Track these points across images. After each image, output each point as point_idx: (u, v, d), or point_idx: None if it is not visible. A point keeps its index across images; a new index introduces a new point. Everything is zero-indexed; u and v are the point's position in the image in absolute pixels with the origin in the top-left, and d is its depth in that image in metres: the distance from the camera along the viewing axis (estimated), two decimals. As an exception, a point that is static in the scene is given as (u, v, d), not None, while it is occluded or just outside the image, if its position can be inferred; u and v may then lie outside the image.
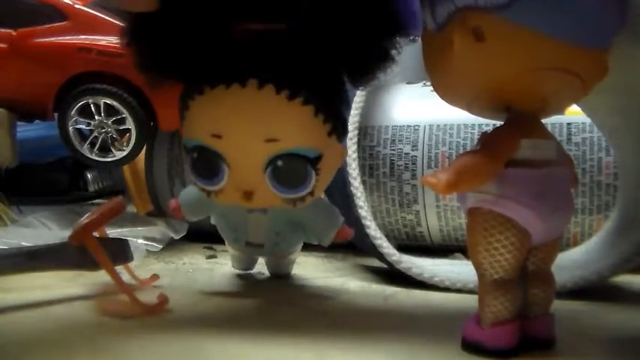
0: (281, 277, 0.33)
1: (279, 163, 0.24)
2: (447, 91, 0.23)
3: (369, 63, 0.24)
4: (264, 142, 0.24)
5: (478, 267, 0.21)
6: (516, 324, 0.21)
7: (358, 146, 0.34)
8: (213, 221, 0.32)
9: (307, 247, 0.41)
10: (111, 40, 0.38)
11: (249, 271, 0.34)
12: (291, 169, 0.24)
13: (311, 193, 0.25)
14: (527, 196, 0.20)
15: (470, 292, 0.29)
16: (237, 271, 0.34)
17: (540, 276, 0.22)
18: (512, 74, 0.20)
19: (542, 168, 0.21)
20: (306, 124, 0.24)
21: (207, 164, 0.25)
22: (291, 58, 0.23)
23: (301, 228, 0.30)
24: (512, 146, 0.20)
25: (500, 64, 0.20)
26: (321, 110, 0.24)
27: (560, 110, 0.23)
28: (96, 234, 0.28)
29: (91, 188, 0.65)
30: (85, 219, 0.27)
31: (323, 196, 0.38)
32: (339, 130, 0.25)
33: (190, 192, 0.30)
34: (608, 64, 0.21)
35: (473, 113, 0.23)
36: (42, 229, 0.42)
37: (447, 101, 0.23)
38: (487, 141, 0.21)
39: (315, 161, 0.24)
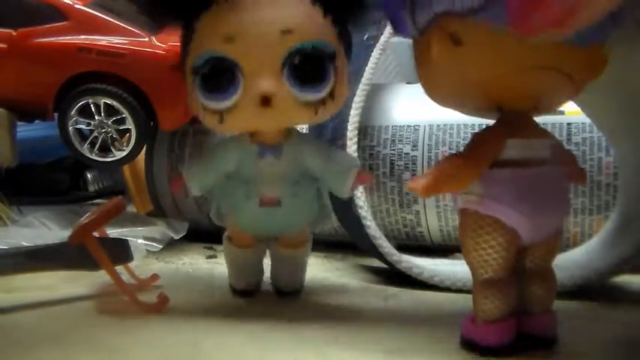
0: (290, 294, 0.29)
1: (297, 59, 0.23)
2: (434, 94, 0.23)
3: None
4: (279, 34, 0.23)
5: (469, 266, 0.22)
6: (509, 322, 0.21)
7: (358, 146, 0.34)
8: (212, 211, 0.29)
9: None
10: (111, 40, 0.38)
11: (250, 290, 0.30)
12: (309, 64, 0.23)
13: (331, 96, 0.24)
14: (510, 195, 0.21)
15: (470, 292, 0.29)
16: (239, 289, 0.30)
17: (539, 274, 0.22)
18: (492, 77, 0.20)
19: (530, 167, 0.21)
20: (318, 20, 0.24)
21: (220, 76, 0.23)
22: None
23: (318, 180, 0.27)
24: (496, 147, 0.21)
25: (479, 67, 0.20)
26: (329, 13, 0.24)
27: (553, 109, 0.23)
28: (96, 234, 0.28)
29: (91, 188, 0.65)
30: (85, 219, 0.27)
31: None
32: (345, 41, 0.25)
33: (196, 165, 0.28)
34: (605, 58, 0.21)
35: (466, 114, 0.23)
36: (42, 229, 0.42)
37: (437, 103, 0.23)
38: (473, 142, 0.21)
39: (332, 56, 0.24)
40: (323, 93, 0.24)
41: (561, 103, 0.23)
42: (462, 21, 0.19)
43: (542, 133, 0.22)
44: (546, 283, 0.22)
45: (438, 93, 0.23)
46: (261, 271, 0.30)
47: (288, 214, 0.27)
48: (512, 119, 0.21)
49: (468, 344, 0.22)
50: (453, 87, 0.21)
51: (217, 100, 0.24)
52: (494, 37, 0.19)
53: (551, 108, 0.22)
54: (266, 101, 0.23)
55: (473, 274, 0.22)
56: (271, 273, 0.30)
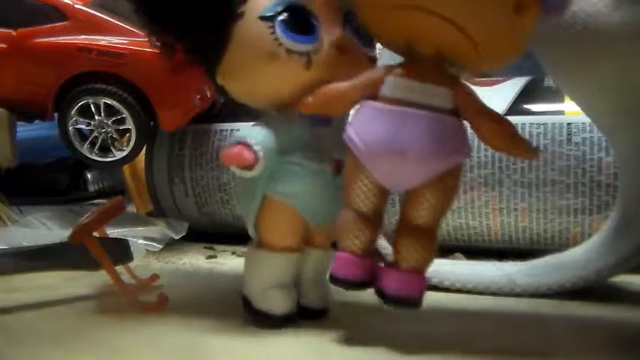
0: (319, 315, 0.25)
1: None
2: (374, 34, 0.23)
3: None
4: None
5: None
6: (357, 258, 0.21)
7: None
8: (250, 222, 0.25)
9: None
10: (111, 40, 0.38)
11: (293, 315, 0.24)
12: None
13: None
14: (362, 126, 0.21)
15: (470, 292, 0.29)
16: (273, 315, 0.24)
17: (410, 230, 0.21)
18: (368, 14, 0.21)
19: (395, 105, 0.21)
20: None
21: (301, 20, 0.23)
22: None
23: None
24: (375, 80, 0.21)
25: (364, 8, 0.21)
26: None
27: (462, 64, 0.21)
28: (96, 234, 0.28)
29: (91, 188, 0.65)
30: (85, 219, 0.27)
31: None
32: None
33: (264, 134, 0.23)
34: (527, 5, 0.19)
35: (399, 55, 0.23)
36: (42, 229, 0.42)
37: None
38: (363, 74, 0.22)
39: None
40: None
41: (463, 57, 0.21)
42: None
43: (442, 82, 0.21)
44: (414, 243, 0.21)
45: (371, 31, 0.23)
46: (295, 292, 0.25)
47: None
48: (411, 62, 0.21)
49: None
50: (368, 25, 0.22)
51: (305, 43, 0.23)
52: None
53: (457, 62, 0.21)
54: (345, 47, 0.23)
55: (345, 198, 0.22)
56: (300, 290, 0.25)
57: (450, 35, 0.20)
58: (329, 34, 0.23)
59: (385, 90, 0.21)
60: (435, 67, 0.21)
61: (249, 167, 0.22)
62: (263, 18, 0.23)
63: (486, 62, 0.21)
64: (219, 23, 0.24)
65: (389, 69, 0.21)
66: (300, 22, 0.23)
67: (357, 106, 0.22)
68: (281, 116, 0.24)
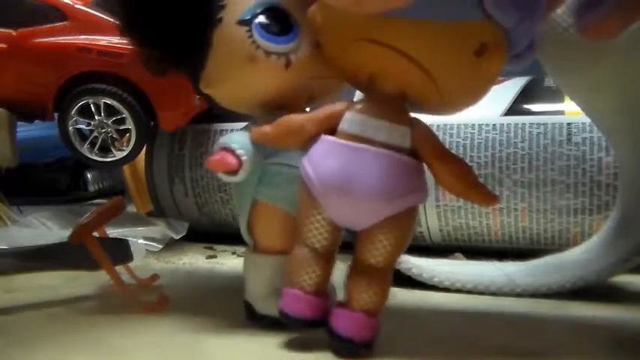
0: None
1: None
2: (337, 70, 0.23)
3: None
4: None
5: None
6: (306, 295, 0.21)
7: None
8: (242, 226, 0.25)
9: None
10: (111, 40, 0.38)
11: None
12: None
13: None
14: (315, 159, 0.21)
15: (470, 292, 0.29)
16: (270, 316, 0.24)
17: (360, 271, 0.21)
18: (329, 48, 0.21)
19: (348, 141, 0.20)
20: None
21: (280, 21, 0.24)
22: None
23: None
24: (333, 115, 0.21)
25: (324, 39, 0.21)
26: None
27: (421, 102, 0.21)
28: (96, 234, 0.28)
29: (91, 188, 0.65)
30: (85, 219, 0.27)
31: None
32: None
33: (246, 140, 0.23)
34: (485, 42, 0.19)
35: (360, 91, 0.23)
36: (42, 229, 0.42)
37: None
38: (322, 107, 0.22)
39: None
40: None
41: (424, 98, 0.21)
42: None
43: (403, 121, 0.21)
44: (363, 285, 0.21)
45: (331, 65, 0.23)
46: None
47: None
48: (373, 98, 0.21)
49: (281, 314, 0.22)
50: (329, 58, 0.22)
51: (283, 43, 0.23)
52: (328, 13, 0.20)
53: (419, 102, 0.21)
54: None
55: (298, 235, 0.21)
56: None
57: (410, 74, 0.20)
58: (309, 32, 0.23)
59: (343, 125, 0.21)
60: (395, 106, 0.21)
61: (234, 172, 0.22)
62: (241, 22, 0.23)
63: (448, 105, 0.21)
64: (198, 30, 0.24)
65: (350, 104, 0.21)
66: (277, 23, 0.23)
67: (315, 140, 0.21)
68: (266, 118, 0.23)
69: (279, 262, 0.23)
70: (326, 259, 0.21)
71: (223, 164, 0.22)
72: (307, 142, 0.21)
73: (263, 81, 0.23)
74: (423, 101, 0.21)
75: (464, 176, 0.20)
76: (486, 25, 0.19)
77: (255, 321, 0.24)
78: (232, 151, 0.22)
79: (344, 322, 0.21)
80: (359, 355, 0.21)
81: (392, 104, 0.21)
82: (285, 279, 0.22)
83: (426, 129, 0.21)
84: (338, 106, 0.21)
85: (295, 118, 0.21)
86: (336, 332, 0.21)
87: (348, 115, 0.21)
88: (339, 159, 0.20)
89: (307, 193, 0.21)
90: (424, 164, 0.21)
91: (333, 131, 0.21)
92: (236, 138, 0.23)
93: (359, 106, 0.21)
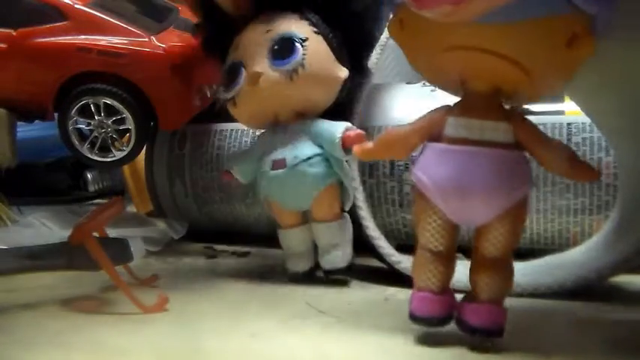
0: (336, 275, 0.32)
1: (276, 46, 0.31)
2: (423, 76, 0.24)
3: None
4: (264, 33, 0.32)
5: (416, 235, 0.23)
6: (436, 296, 0.22)
7: (358, 146, 0.34)
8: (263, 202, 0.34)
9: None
10: (111, 40, 0.38)
11: (302, 273, 0.33)
12: (283, 45, 0.31)
13: (302, 66, 0.31)
14: (429, 166, 0.21)
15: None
16: (293, 272, 0.33)
17: (486, 263, 0.22)
18: (423, 57, 0.22)
19: (459, 145, 0.21)
20: (293, 20, 0.32)
21: (231, 74, 0.32)
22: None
23: (315, 141, 0.32)
24: (436, 122, 0.22)
25: (419, 46, 0.22)
26: (307, 18, 0.32)
27: (516, 97, 0.22)
28: (96, 234, 0.28)
29: (91, 188, 0.65)
30: (84, 219, 0.27)
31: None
32: (325, 34, 0.32)
33: (238, 156, 0.36)
34: (581, 37, 0.20)
35: (452, 94, 0.24)
36: (42, 229, 0.42)
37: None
38: (420, 116, 0.22)
39: (302, 40, 0.31)
40: (293, 62, 0.31)
41: (518, 90, 0.22)
42: (406, 9, 0.21)
43: (501, 116, 0.22)
44: (492, 276, 0.22)
45: (425, 74, 0.24)
46: (311, 256, 0.33)
47: (297, 175, 0.31)
48: (467, 100, 0.22)
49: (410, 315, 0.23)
50: (416, 66, 0.23)
51: (229, 91, 0.32)
52: (421, 21, 0.20)
53: (512, 96, 0.22)
54: (255, 77, 0.31)
55: (417, 242, 0.23)
56: (318, 256, 0.33)
57: (506, 70, 0.20)
58: (249, 73, 0.31)
59: (448, 130, 0.22)
60: (493, 103, 0.22)
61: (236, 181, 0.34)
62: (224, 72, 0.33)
63: (540, 94, 0.22)
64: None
65: (448, 110, 0.22)
66: (230, 75, 0.32)
67: (421, 148, 0.22)
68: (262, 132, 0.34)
69: (289, 233, 0.33)
70: (448, 258, 0.22)
71: (227, 178, 0.34)
72: (411, 151, 0.23)
73: (231, 111, 0.33)
74: (517, 94, 0.22)
75: (568, 158, 0.22)
76: (574, 15, 0.20)
77: (286, 276, 0.33)
78: (228, 171, 0.34)
79: (476, 315, 0.22)
80: (494, 344, 0.22)
81: (489, 102, 0.22)
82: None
83: (524, 120, 0.22)
84: (437, 114, 0.22)
85: (398, 131, 0.23)
86: (470, 325, 0.22)
87: (451, 120, 0.22)
88: (453, 163, 0.21)
89: (423, 199, 0.22)
90: (527, 153, 0.22)
91: (435, 138, 0.22)
92: (233, 156, 0.37)
93: (459, 110, 0.22)
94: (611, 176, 0.33)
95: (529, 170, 0.22)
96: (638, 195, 0.29)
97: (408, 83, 0.42)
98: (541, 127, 0.35)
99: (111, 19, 0.39)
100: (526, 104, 0.23)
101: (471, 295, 0.22)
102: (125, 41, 0.38)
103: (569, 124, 0.34)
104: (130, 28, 0.39)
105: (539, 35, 0.20)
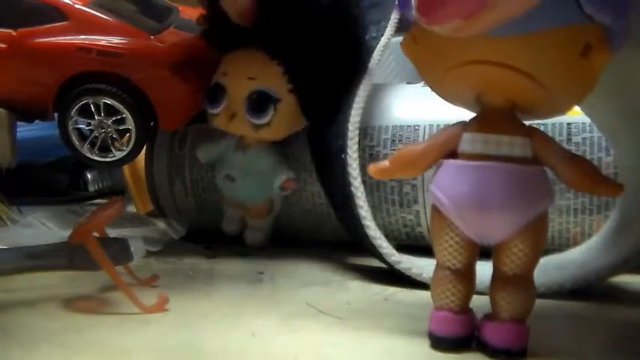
0: (255, 246, 0.41)
1: (254, 95, 0.36)
2: (436, 92, 0.24)
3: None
4: (247, 79, 0.37)
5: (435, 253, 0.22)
6: (456, 315, 0.22)
7: (358, 146, 0.34)
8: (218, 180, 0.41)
9: (306, 246, 0.41)
10: (111, 40, 0.38)
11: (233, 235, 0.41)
12: (259, 99, 0.36)
13: (268, 124, 0.37)
14: (446, 184, 0.21)
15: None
16: (228, 232, 0.41)
17: (506, 281, 0.21)
18: (442, 71, 0.21)
19: (477, 161, 0.21)
20: (274, 74, 0.36)
21: (215, 93, 0.38)
22: (280, 43, 0.37)
23: (262, 174, 0.39)
24: (451, 139, 0.22)
25: (432, 62, 0.22)
26: (288, 72, 0.36)
27: (532, 111, 0.22)
28: (96, 234, 0.28)
29: (91, 188, 0.65)
30: (85, 219, 0.27)
31: (322, 196, 0.38)
32: (300, 94, 0.37)
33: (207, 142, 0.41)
34: (597, 48, 0.20)
35: (463, 108, 0.24)
36: (42, 229, 0.42)
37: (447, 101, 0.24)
38: (435, 133, 0.22)
39: (275, 101, 0.36)
40: (263, 120, 0.37)
41: (536, 105, 0.22)
42: (417, 24, 0.20)
43: (518, 131, 0.21)
44: (512, 294, 0.21)
45: (436, 91, 0.24)
46: (239, 226, 0.42)
47: (242, 188, 0.40)
48: (484, 115, 0.22)
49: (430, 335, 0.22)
50: (428, 80, 0.23)
51: (211, 108, 0.38)
52: (433, 36, 0.19)
53: (529, 109, 0.22)
54: (231, 116, 0.37)
55: (436, 260, 0.22)
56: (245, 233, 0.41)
57: (520, 84, 0.20)
58: (229, 105, 0.37)
59: (464, 146, 0.21)
60: (508, 118, 0.21)
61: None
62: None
63: (558, 107, 0.22)
64: None
65: (464, 126, 0.22)
66: (213, 94, 0.38)
67: (437, 166, 0.22)
68: (232, 136, 0.40)
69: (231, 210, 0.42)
70: (467, 277, 0.22)
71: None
72: (428, 168, 0.22)
73: (210, 121, 0.40)
74: (534, 108, 0.21)
75: (589, 173, 0.22)
76: (587, 25, 0.19)
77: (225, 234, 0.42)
78: None
79: (498, 334, 0.21)
80: None
81: (505, 117, 0.21)
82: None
83: (543, 134, 0.22)
84: (453, 130, 0.22)
85: (414, 149, 0.22)
86: (492, 345, 0.21)
87: (466, 136, 0.21)
88: (470, 180, 0.21)
89: (440, 216, 0.22)
90: (546, 168, 0.22)
91: (450, 154, 0.22)
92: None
93: (475, 125, 0.21)
94: (611, 176, 0.33)
95: (548, 185, 0.21)
96: (638, 195, 0.29)
97: (408, 83, 0.42)
98: (541, 128, 0.35)
99: (111, 19, 0.39)
100: (544, 118, 0.23)
101: (491, 314, 0.22)
102: (125, 41, 0.38)
103: (569, 124, 0.34)
104: (129, 28, 0.39)
105: (552, 46, 0.20)
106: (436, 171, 0.22)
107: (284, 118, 0.37)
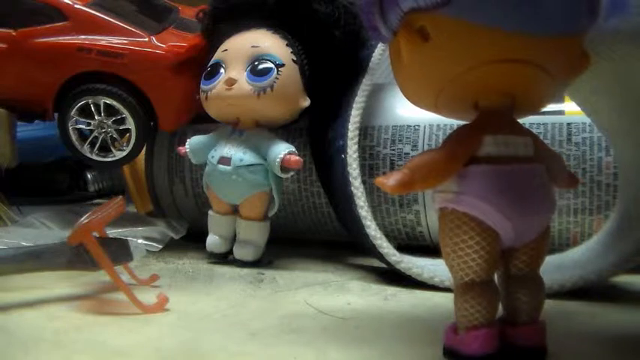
0: (247, 264, 0.37)
1: (256, 62, 0.36)
2: (411, 95, 0.22)
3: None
4: (250, 47, 0.36)
5: (449, 269, 0.21)
6: (492, 329, 0.20)
7: (358, 146, 0.34)
8: (203, 183, 0.39)
9: (306, 246, 0.41)
10: (111, 40, 0.38)
11: (222, 254, 0.38)
12: (262, 64, 0.36)
13: (271, 88, 0.35)
14: (487, 191, 0.20)
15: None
16: (210, 251, 0.38)
17: (524, 280, 0.21)
18: (463, 70, 0.20)
19: (508, 164, 0.20)
20: (279, 44, 0.36)
21: (212, 71, 0.37)
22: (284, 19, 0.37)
23: (260, 153, 0.36)
24: (472, 143, 0.20)
25: (450, 61, 0.20)
26: (291, 46, 0.36)
27: (533, 107, 0.22)
28: (96, 234, 0.28)
29: (91, 188, 0.65)
30: (85, 219, 0.27)
31: (322, 196, 0.38)
32: (301, 64, 0.36)
33: (197, 138, 0.39)
34: (585, 51, 0.20)
35: (442, 115, 0.23)
36: (42, 229, 0.42)
37: (415, 105, 0.23)
38: (450, 139, 0.21)
39: (279, 65, 0.36)
40: (265, 82, 0.35)
41: (541, 101, 0.22)
42: (429, 16, 0.19)
43: (521, 130, 0.21)
44: (531, 291, 0.21)
45: (415, 94, 0.22)
46: (229, 243, 0.38)
47: (236, 176, 0.36)
48: (490, 117, 0.21)
49: (450, 353, 0.21)
50: (429, 86, 0.21)
51: (207, 85, 0.37)
52: (461, 30, 0.19)
53: (531, 106, 0.22)
54: (231, 81, 0.36)
55: (453, 277, 0.21)
56: (234, 245, 0.38)
57: (544, 82, 0.20)
58: (227, 76, 0.36)
59: (488, 149, 0.20)
60: (512, 118, 0.21)
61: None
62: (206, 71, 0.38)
63: (557, 94, 0.22)
64: None
65: (481, 128, 0.20)
66: (210, 72, 0.37)
67: (460, 173, 0.20)
68: (223, 128, 0.38)
69: (216, 218, 0.38)
70: (494, 286, 0.21)
71: (179, 152, 0.39)
72: (449, 177, 0.20)
73: (202, 103, 0.38)
74: (534, 103, 0.21)
75: (564, 167, 0.22)
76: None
77: (210, 259, 0.38)
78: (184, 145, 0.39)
79: (524, 337, 0.21)
80: None
81: (509, 118, 0.21)
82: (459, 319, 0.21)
83: (534, 133, 0.22)
84: (471, 133, 0.21)
85: (434, 160, 0.20)
86: (522, 346, 0.21)
87: (488, 139, 0.20)
88: (511, 184, 0.20)
89: (468, 227, 0.20)
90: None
91: (473, 159, 0.20)
92: (192, 138, 0.39)
93: (492, 128, 0.20)
94: (611, 176, 0.33)
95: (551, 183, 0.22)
96: (638, 195, 0.29)
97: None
98: (541, 127, 0.35)
99: (111, 19, 0.39)
100: (530, 115, 0.23)
101: (508, 317, 0.21)
102: (125, 41, 0.38)
103: (569, 124, 0.34)
104: (129, 28, 0.39)
105: (573, 47, 0.20)
106: (461, 179, 0.20)
107: (286, 84, 0.36)
